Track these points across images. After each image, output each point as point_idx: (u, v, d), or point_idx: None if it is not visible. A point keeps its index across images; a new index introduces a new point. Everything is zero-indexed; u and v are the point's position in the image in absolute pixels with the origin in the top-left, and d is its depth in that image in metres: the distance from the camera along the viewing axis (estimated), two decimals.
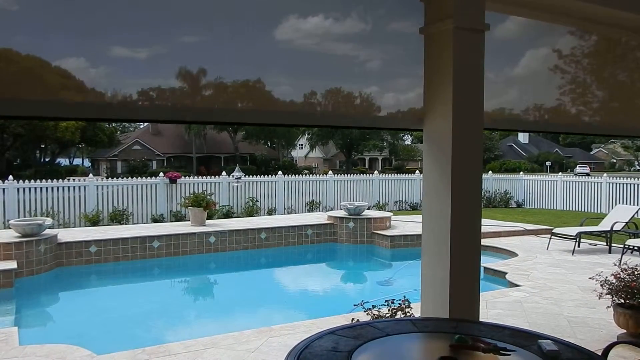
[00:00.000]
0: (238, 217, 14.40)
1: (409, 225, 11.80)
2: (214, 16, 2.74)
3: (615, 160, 69.31)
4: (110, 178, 20.70)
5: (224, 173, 15.95)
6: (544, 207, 18.67)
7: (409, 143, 55.84)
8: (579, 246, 9.76)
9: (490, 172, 20.93)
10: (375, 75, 3.26)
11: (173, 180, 14.49)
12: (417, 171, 19.45)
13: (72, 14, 2.44)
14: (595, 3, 3.47)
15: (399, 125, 3.58)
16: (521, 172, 23.82)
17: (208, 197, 11.46)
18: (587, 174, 31.58)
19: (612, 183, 17.09)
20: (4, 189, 12.50)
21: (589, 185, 17.79)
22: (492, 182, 19.57)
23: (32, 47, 2.35)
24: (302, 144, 55.43)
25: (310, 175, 19.28)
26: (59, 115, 2.51)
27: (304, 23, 3.00)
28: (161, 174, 14.97)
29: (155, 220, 13.85)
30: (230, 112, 2.86)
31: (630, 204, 15.24)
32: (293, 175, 17.95)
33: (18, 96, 2.34)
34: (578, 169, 50.88)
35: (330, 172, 19.44)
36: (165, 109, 2.67)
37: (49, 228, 8.92)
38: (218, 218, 13.45)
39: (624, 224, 9.74)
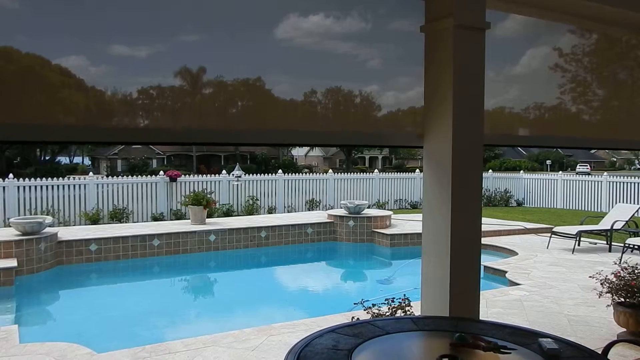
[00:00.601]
0: (238, 215, 14.41)
1: (409, 223, 11.81)
2: (214, 15, 2.74)
3: (615, 159, 69.29)
4: (110, 176, 20.70)
5: (224, 172, 15.95)
6: (544, 206, 18.65)
7: None
8: (579, 245, 9.76)
9: (490, 170, 20.86)
10: (375, 74, 3.26)
11: (173, 179, 14.48)
12: (417, 170, 19.42)
13: (70, 12, 2.44)
14: (595, 2, 3.46)
15: (399, 139, 3.56)
16: (521, 171, 23.78)
17: (208, 196, 11.46)
18: (588, 173, 31.49)
19: (612, 182, 17.07)
20: (4, 187, 12.49)
21: (589, 184, 17.77)
22: (492, 180, 19.55)
23: (33, 47, 2.35)
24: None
25: (311, 174, 19.26)
26: (63, 140, 2.51)
27: (305, 22, 3.00)
28: (161, 172, 14.97)
29: (155, 219, 13.85)
30: (226, 133, 2.89)
31: (630, 203, 15.24)
32: (293, 174, 17.96)
33: (17, 119, 2.35)
34: (579, 169, 50.90)
35: (330, 170, 19.41)
36: (165, 130, 2.70)
37: (49, 226, 8.92)
38: (218, 216, 13.45)
39: (624, 222, 9.75)
